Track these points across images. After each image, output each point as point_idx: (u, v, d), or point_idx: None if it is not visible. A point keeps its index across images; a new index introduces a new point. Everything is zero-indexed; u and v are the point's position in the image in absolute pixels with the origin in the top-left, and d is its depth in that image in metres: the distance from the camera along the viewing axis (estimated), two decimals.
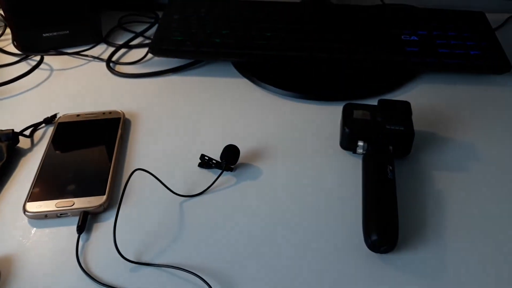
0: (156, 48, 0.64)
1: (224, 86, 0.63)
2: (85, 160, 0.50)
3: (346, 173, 0.49)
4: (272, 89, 0.61)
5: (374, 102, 0.55)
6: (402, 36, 0.65)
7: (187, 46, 0.63)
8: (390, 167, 0.45)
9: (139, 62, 0.68)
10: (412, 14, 0.70)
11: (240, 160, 0.51)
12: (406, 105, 0.51)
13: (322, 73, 0.63)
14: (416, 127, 0.55)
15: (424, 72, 0.65)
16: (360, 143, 0.48)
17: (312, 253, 0.42)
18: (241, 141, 0.53)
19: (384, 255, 0.41)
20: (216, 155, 0.50)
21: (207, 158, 0.49)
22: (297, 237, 0.43)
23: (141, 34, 0.74)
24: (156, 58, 0.69)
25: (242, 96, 0.61)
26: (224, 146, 0.50)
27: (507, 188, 0.48)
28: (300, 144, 0.53)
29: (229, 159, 0.49)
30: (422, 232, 0.43)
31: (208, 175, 0.49)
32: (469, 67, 0.62)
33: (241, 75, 0.64)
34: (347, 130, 0.49)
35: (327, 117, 0.57)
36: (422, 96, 0.61)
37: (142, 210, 0.46)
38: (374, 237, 0.40)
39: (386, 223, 0.41)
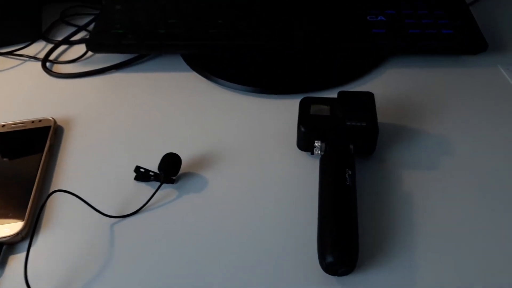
0: (94, 43, 0.57)
1: (171, 82, 0.56)
2: (5, 180, 0.44)
3: (303, 179, 0.43)
4: (224, 83, 0.55)
5: (337, 92, 0.49)
6: (368, 17, 0.59)
7: (128, 39, 0.57)
8: (349, 171, 0.39)
9: (79, 60, 0.61)
10: None
11: (183, 169, 0.45)
12: (369, 97, 0.45)
13: (279, 62, 0.57)
14: (383, 120, 0.49)
15: (392, 55, 0.59)
16: (317, 143, 0.42)
17: (261, 275, 0.36)
18: (186, 146, 0.47)
19: (342, 278, 0.36)
20: (157, 164, 0.44)
21: (143, 170, 0.43)
22: (245, 257, 0.37)
23: (83, 28, 0.67)
24: (98, 54, 0.62)
25: (191, 92, 0.55)
26: (164, 154, 0.44)
27: (486, 188, 0.42)
28: (252, 146, 0.47)
29: (169, 170, 0.43)
30: (388, 246, 0.38)
31: (147, 190, 0.43)
32: (442, 48, 0.56)
33: (190, 69, 0.58)
34: (302, 129, 0.43)
35: (285, 113, 0.51)
36: (391, 84, 0.55)
37: (66, 237, 0.40)
38: (329, 259, 0.34)
39: (342, 241, 0.35)
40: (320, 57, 0.57)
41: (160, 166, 0.43)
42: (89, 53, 0.62)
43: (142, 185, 0.44)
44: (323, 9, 0.60)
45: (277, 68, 0.56)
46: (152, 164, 0.45)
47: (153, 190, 0.42)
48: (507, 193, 0.42)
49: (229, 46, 0.56)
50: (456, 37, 0.56)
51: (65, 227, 0.40)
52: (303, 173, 0.44)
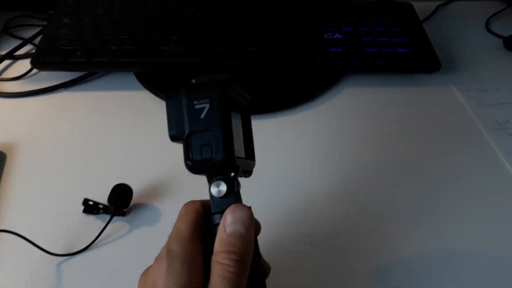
0: (40, 60, 0.54)
1: (123, 102, 0.54)
2: None
3: None
4: None
5: (293, 114, 0.49)
6: (325, 35, 0.58)
7: (76, 56, 0.54)
8: None
9: (24, 77, 0.58)
10: (337, 7, 0.63)
11: (135, 199, 0.43)
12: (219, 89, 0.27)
13: None
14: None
15: (349, 73, 0.59)
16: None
17: None
18: (138, 173, 0.45)
19: None
20: (108, 193, 0.42)
21: (92, 202, 0.41)
22: None
23: (29, 41, 0.63)
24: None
25: (144, 114, 0.52)
26: (114, 185, 0.42)
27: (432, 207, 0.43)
28: None
29: (119, 202, 0.41)
30: None
31: (97, 223, 0.41)
32: (397, 67, 0.56)
33: (144, 88, 0.56)
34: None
35: None
36: (348, 102, 0.55)
37: (9, 279, 0.37)
38: None
39: None
40: (277, 76, 0.56)
41: (110, 198, 0.41)
42: (35, 69, 0.59)
43: (91, 218, 0.42)
44: (280, 27, 0.59)
45: None
46: (102, 193, 0.42)
47: (103, 223, 0.40)
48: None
49: (183, 64, 0.54)
50: (410, 57, 0.56)
51: (8, 269, 0.38)
52: None
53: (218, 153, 0.26)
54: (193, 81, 0.28)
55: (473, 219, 0.42)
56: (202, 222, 0.28)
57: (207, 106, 0.26)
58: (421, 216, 0.43)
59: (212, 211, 0.28)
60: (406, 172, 0.46)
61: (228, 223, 0.26)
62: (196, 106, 0.26)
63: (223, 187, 0.27)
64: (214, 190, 0.27)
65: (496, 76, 0.60)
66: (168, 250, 0.27)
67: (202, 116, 0.26)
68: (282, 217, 0.41)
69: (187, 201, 0.29)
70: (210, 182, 0.28)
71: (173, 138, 0.27)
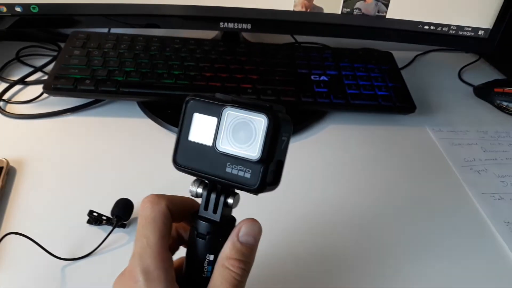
0: (51, 86, 0.59)
1: (126, 127, 0.59)
2: None
3: None
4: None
5: None
6: (312, 76, 0.65)
7: (85, 84, 0.59)
8: (210, 257, 0.29)
9: (34, 101, 0.63)
10: (323, 53, 0.70)
11: (136, 213, 0.47)
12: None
13: None
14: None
15: (333, 111, 0.64)
16: (192, 188, 0.30)
17: None
18: (139, 191, 0.49)
19: None
20: (111, 207, 0.46)
21: (96, 214, 0.45)
22: None
23: (40, 69, 0.68)
24: (53, 96, 0.63)
25: (145, 139, 0.57)
26: (117, 199, 0.46)
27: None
28: None
29: (121, 215, 0.45)
30: None
31: (99, 233, 0.45)
32: (377, 107, 0.62)
33: (145, 116, 0.61)
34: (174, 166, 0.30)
35: None
36: (331, 138, 0.60)
37: (18, 279, 0.40)
38: None
39: None
40: None
41: (113, 211, 0.45)
42: (45, 94, 0.63)
43: (94, 228, 0.45)
44: (272, 68, 0.65)
45: None
46: (104, 207, 0.46)
47: (105, 234, 0.44)
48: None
49: (183, 96, 0.59)
50: (389, 99, 0.63)
51: (17, 269, 0.41)
52: None
53: (278, 181, 0.29)
54: (265, 103, 0.28)
55: (440, 246, 0.47)
56: (169, 228, 0.29)
57: (286, 140, 0.28)
58: (390, 246, 0.47)
59: (219, 220, 0.29)
60: (380, 204, 0.51)
61: (243, 233, 0.29)
62: (283, 137, 0.28)
63: (238, 200, 0.30)
64: (231, 202, 0.29)
65: (466, 120, 0.66)
66: (142, 267, 0.27)
67: (282, 147, 0.28)
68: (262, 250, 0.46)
69: (149, 196, 0.30)
70: (223, 193, 0.29)
71: (260, 161, 0.27)
